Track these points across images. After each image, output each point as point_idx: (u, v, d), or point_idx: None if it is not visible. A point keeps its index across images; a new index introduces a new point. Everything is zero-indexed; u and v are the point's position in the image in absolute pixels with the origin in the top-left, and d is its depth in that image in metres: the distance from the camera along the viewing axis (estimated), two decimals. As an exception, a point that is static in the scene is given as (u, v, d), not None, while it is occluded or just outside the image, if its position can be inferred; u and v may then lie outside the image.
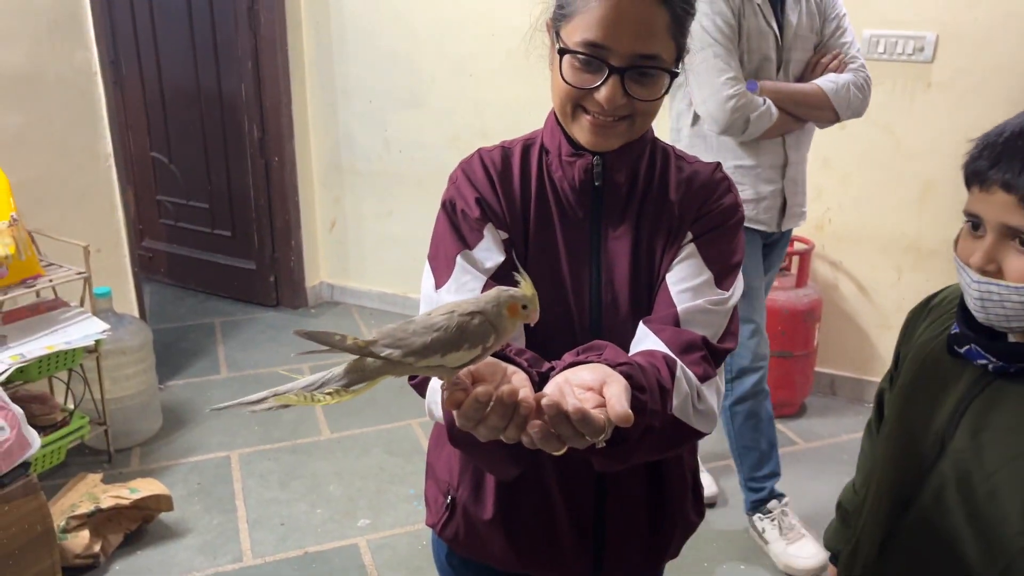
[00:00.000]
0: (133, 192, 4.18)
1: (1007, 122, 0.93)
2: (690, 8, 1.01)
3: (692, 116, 2.18)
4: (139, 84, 4.02)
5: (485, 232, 1.07)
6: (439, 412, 0.98)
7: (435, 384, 1.00)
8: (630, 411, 0.78)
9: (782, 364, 2.99)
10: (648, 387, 0.90)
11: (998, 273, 0.92)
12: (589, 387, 0.83)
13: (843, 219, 3.08)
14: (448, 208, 1.11)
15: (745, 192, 2.18)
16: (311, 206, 4.03)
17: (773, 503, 2.39)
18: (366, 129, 3.82)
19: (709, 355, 1.03)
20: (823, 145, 3.04)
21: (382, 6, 3.59)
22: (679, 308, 1.04)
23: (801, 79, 2.16)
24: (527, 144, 1.14)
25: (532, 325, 0.87)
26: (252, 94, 3.75)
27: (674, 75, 1.01)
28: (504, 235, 1.09)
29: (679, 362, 0.98)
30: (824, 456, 2.87)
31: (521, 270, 0.85)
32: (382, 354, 0.79)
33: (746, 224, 2.18)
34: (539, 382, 0.88)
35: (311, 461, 2.81)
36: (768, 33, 2.08)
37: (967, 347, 0.99)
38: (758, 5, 2.06)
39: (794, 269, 3.04)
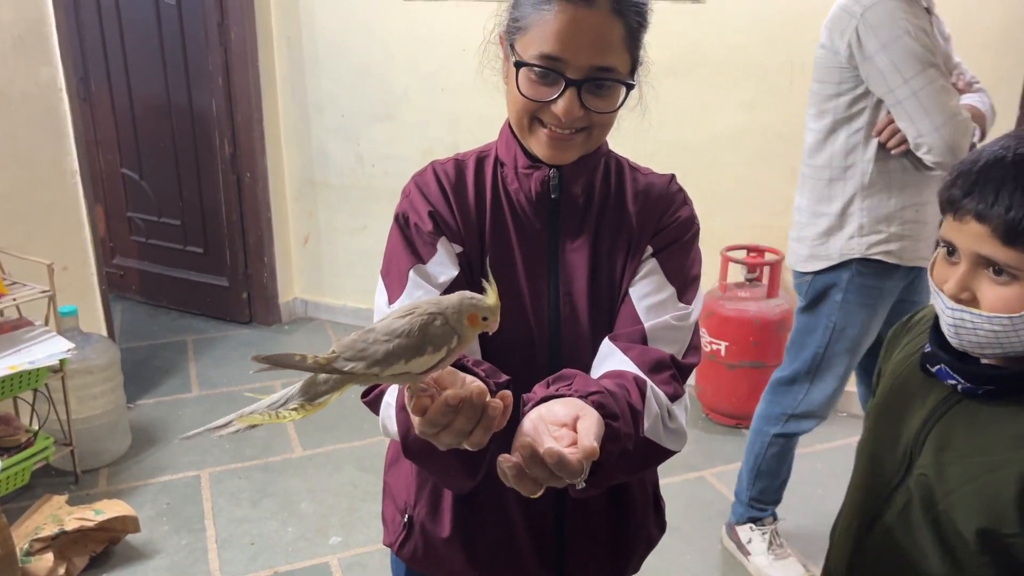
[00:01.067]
0: (103, 209, 4.15)
1: (982, 150, 0.93)
2: (644, 21, 1.01)
3: (874, 150, 1.95)
4: (108, 100, 3.99)
5: (439, 246, 1.07)
6: (394, 427, 0.97)
7: (388, 399, 0.99)
8: (596, 446, 0.79)
9: (755, 374, 3.00)
10: (620, 413, 0.90)
11: (972, 301, 0.92)
12: (563, 423, 0.83)
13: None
14: (401, 222, 1.10)
15: (924, 231, 2.01)
16: (284, 221, 4.00)
17: (768, 519, 2.37)
18: (339, 144, 3.81)
19: (677, 373, 1.03)
20: (793, 158, 3.07)
21: (353, 21, 3.59)
22: (646, 325, 1.04)
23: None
24: (481, 156, 1.14)
25: (490, 335, 0.86)
26: (223, 110, 3.73)
27: (630, 87, 1.01)
28: (458, 249, 1.08)
29: (649, 382, 0.98)
30: (797, 466, 2.87)
31: (490, 279, 0.84)
32: (345, 369, 0.78)
33: (913, 263, 2.02)
34: (495, 392, 0.88)
35: (283, 479, 2.78)
36: (940, 50, 1.92)
37: (938, 367, 0.99)
38: (927, 14, 1.90)
39: (765, 280, 3.05)
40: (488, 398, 0.79)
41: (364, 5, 3.55)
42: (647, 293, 1.06)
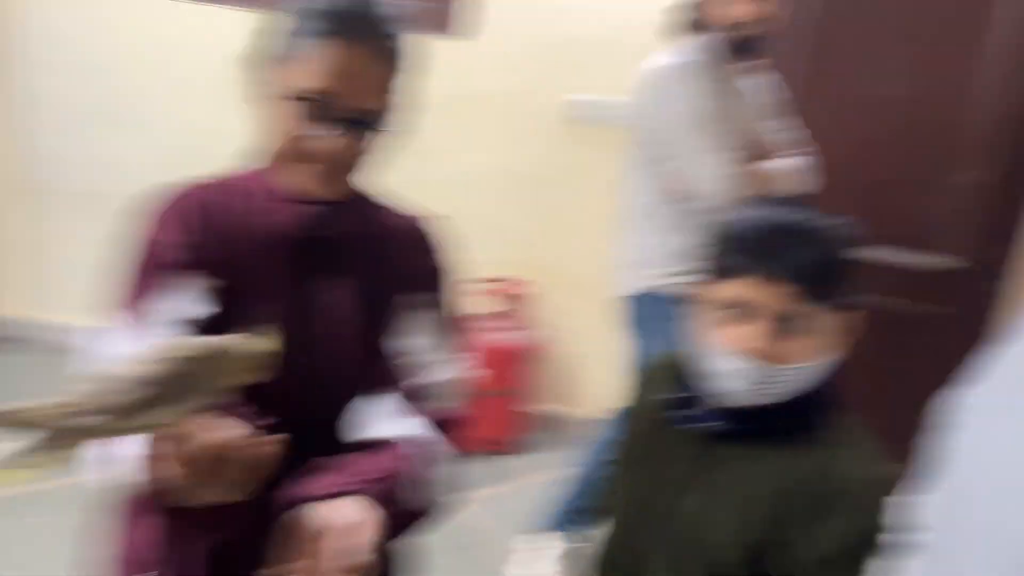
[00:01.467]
0: None
1: (749, 216, 1.02)
2: (407, 66, 1.05)
3: (660, 193, 2.14)
4: None
5: (182, 279, 1.00)
6: (135, 480, 0.87)
7: (124, 452, 0.88)
8: (368, 560, 0.85)
9: (504, 402, 3.09)
10: (398, 495, 0.96)
11: (770, 357, 0.98)
12: (343, 528, 0.87)
13: (550, 263, 3.26)
14: (143, 249, 1.03)
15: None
16: (-8, 228, 3.51)
17: (566, 536, 2.39)
18: (61, 145, 3.41)
19: (456, 426, 1.10)
20: (545, 197, 3.23)
21: (84, 13, 3.24)
22: (426, 380, 1.08)
23: (756, 157, 2.18)
24: (235, 183, 1.09)
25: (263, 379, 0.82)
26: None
27: (390, 130, 1.04)
28: (206, 282, 1.01)
29: (429, 442, 1.04)
30: (537, 493, 2.98)
31: (268, 327, 0.82)
32: (86, 423, 0.69)
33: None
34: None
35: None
36: (735, 109, 2.11)
37: (687, 412, 1.06)
38: (721, 81, 2.09)
39: (515, 312, 3.15)
40: (257, 442, 0.77)
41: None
42: (422, 346, 1.09)
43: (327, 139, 0.98)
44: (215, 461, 0.75)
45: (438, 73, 3.01)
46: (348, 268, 1.09)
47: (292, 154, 1.01)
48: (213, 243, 1.03)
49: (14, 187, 3.50)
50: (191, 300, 1.00)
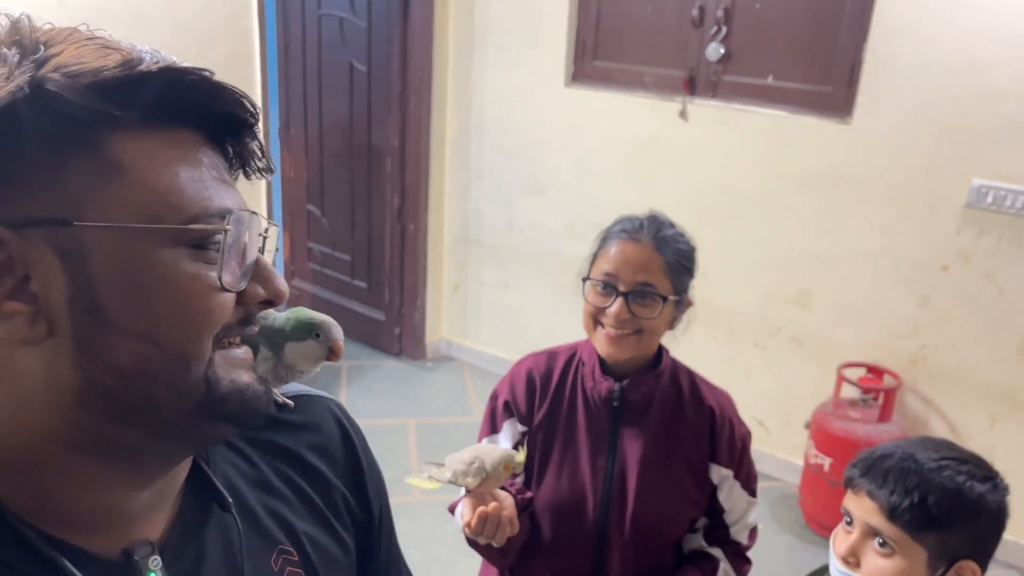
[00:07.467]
0: (289, 237, 4.71)
1: (884, 444, 1.18)
2: (683, 259, 1.40)
3: None
4: (303, 145, 4.53)
5: (507, 425, 1.50)
6: (461, 523, 1.37)
7: (458, 511, 1.42)
8: None
9: (837, 491, 3.01)
10: None
11: (857, 565, 1.14)
12: None
13: (938, 358, 3.07)
14: (493, 398, 1.54)
15: None
16: (439, 270, 4.39)
17: None
18: (493, 207, 4.13)
19: (745, 564, 1.52)
20: (922, 282, 3.05)
21: (518, 99, 3.88)
22: (732, 528, 1.49)
23: None
24: (570, 355, 1.52)
25: (517, 475, 1.37)
26: (396, 167, 4.16)
27: (667, 299, 1.38)
28: (523, 428, 1.49)
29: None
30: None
31: (523, 446, 1.38)
32: (446, 477, 1.31)
33: None
34: (523, 506, 1.37)
35: (396, 522, 3.09)
36: None
37: None
38: None
39: (879, 403, 3.05)
40: (501, 512, 1.26)
41: (529, 85, 3.83)
42: (731, 507, 1.48)
43: (615, 306, 1.37)
44: (480, 523, 1.25)
45: (825, 152, 3.08)
46: (645, 426, 1.45)
47: (591, 321, 1.44)
48: (538, 401, 1.48)
49: (454, 239, 4.33)
50: (504, 436, 1.50)
